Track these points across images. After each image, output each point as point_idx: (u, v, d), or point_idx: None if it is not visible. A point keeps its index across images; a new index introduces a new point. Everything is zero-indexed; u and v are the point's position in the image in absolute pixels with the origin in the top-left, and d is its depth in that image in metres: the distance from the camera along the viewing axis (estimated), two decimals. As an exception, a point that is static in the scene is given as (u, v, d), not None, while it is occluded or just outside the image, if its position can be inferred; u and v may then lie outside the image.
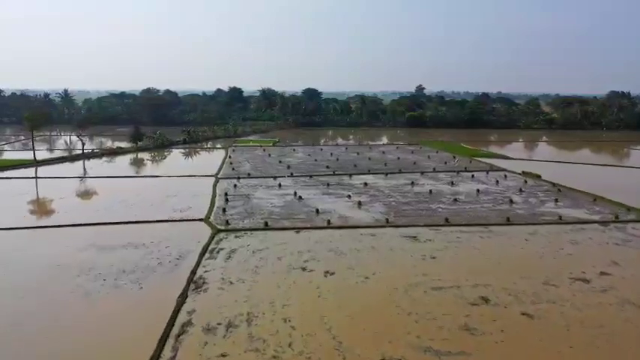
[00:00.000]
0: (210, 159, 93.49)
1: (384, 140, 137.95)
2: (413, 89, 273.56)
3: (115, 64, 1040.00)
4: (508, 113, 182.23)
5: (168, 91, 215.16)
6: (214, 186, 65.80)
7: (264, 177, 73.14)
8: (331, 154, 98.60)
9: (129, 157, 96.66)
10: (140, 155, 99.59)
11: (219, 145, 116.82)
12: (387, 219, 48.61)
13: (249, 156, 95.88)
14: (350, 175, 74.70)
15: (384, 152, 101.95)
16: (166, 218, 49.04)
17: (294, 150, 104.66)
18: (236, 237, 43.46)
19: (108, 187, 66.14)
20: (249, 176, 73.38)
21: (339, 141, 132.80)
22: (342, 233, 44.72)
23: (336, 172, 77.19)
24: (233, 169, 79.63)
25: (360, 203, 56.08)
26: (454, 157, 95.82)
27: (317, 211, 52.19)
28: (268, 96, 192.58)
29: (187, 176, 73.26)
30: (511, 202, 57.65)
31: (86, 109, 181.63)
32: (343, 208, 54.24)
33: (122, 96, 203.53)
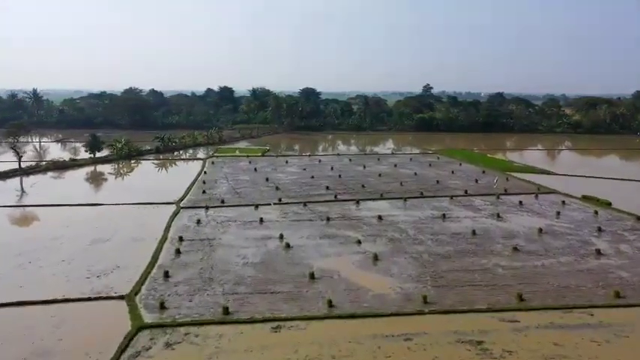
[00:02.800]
0: (181, 175, 74.71)
1: (391, 145, 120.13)
2: (413, 89, 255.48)
3: (110, 64, 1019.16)
4: (527, 115, 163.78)
5: (153, 91, 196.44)
6: (170, 222, 47.21)
7: (242, 205, 54.54)
8: (332, 167, 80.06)
9: (82, 172, 77.93)
10: (99, 169, 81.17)
11: (201, 154, 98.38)
12: (424, 297, 29.91)
13: (230, 171, 77.27)
14: (357, 202, 56.14)
15: (396, 165, 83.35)
16: (67, 296, 30.36)
17: (286, 162, 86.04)
18: (167, 345, 24.83)
19: (20, 225, 47.79)
20: (222, 204, 54.75)
21: (341, 148, 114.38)
22: (354, 331, 26.14)
23: (339, 197, 58.66)
24: (204, 191, 60.96)
25: (376, 257, 37.52)
26: (483, 171, 77.50)
27: (312, 275, 33.63)
28: (260, 96, 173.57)
29: (140, 204, 54.62)
30: (598, 253, 39.10)
31: (58, 111, 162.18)
32: (351, 267, 35.74)
33: (102, 96, 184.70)
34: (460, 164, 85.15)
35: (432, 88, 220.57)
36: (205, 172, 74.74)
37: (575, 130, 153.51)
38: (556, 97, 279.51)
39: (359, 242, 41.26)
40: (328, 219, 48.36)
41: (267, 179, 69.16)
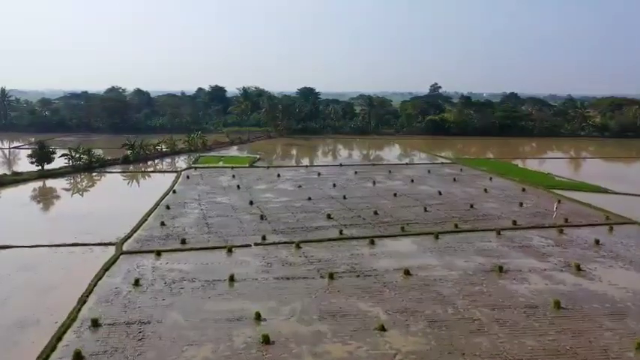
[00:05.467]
0: (144, 194, 58.93)
1: (398, 151, 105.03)
2: (413, 89, 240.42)
3: (109, 64, 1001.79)
4: (549, 118, 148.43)
5: (138, 91, 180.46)
6: (95, 281, 31.51)
7: (209, 248, 38.78)
8: (334, 184, 64.41)
9: (23, 189, 62.16)
10: (48, 184, 65.76)
11: (181, 163, 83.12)
12: None
13: (207, 188, 61.61)
14: (371, 241, 40.42)
15: (412, 180, 67.74)
16: None
17: (278, 176, 70.29)
18: None
19: None
20: (181, 246, 38.99)
21: (343, 154, 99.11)
22: None
23: (345, 232, 42.94)
24: (163, 222, 45.20)
25: (415, 368, 21.85)
26: (523, 188, 61.86)
27: None
28: (252, 96, 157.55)
29: (67, 246, 38.88)
30: None
31: (28, 113, 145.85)
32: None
33: (81, 96, 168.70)
34: (491, 179, 69.59)
35: (440, 87, 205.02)
36: (174, 192, 59.04)
37: (602, 133, 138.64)
38: (561, 97, 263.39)
39: (382, 329, 25.59)
40: (331, 276, 32.68)
41: (251, 202, 53.50)
